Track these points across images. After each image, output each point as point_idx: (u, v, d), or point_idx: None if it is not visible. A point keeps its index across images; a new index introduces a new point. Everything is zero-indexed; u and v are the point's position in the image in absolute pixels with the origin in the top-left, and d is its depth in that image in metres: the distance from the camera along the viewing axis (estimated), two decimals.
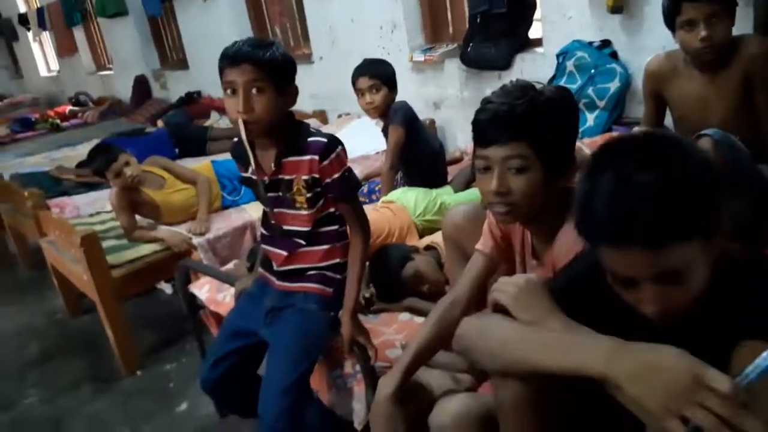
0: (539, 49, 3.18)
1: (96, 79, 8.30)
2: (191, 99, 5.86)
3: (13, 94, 9.82)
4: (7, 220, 3.85)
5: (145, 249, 2.74)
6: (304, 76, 4.09)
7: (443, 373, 1.48)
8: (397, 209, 2.30)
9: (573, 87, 2.87)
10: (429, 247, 2.09)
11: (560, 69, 2.97)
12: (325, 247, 1.61)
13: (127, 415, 2.36)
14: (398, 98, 2.55)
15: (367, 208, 1.97)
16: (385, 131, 2.58)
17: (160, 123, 5.48)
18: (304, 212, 1.56)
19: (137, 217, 2.83)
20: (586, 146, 2.67)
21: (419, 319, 1.81)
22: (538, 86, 1.18)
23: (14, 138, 6.58)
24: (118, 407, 2.42)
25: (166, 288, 3.29)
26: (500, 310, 1.00)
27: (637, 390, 0.75)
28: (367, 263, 1.81)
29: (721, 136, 1.58)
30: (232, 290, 1.92)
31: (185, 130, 4.71)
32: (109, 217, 3.16)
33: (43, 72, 10.22)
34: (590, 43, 2.88)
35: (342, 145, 1.53)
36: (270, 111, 1.43)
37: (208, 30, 5.31)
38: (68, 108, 7.61)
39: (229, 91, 1.44)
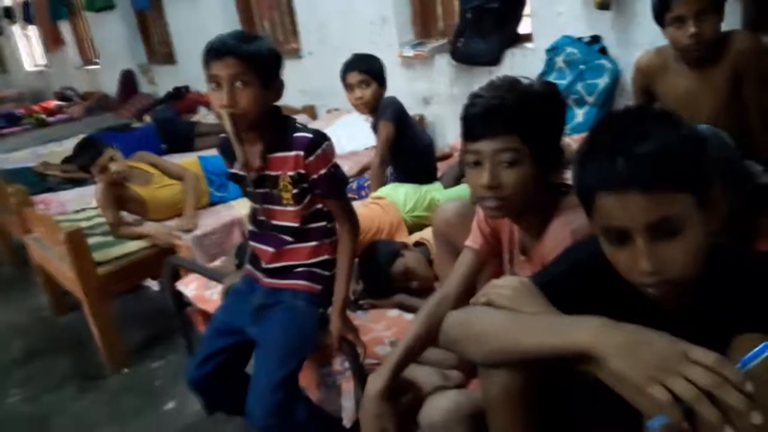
0: (529, 45, 3.18)
1: (82, 74, 8.21)
2: (179, 94, 5.81)
3: None
4: None
5: (132, 246, 2.71)
6: (293, 72, 4.08)
7: (433, 369, 1.48)
8: (387, 205, 2.28)
9: (562, 83, 2.87)
10: (418, 244, 2.08)
11: (550, 65, 2.97)
12: (313, 243, 1.60)
13: (114, 413, 2.34)
14: (388, 94, 2.53)
15: (357, 204, 1.96)
16: (374, 127, 2.56)
17: (147, 118, 5.42)
18: (291, 208, 1.55)
19: (124, 213, 2.80)
20: (575, 142, 2.68)
21: (408, 316, 1.81)
22: (525, 81, 1.18)
23: None
24: (105, 405, 2.40)
25: (153, 285, 3.25)
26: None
27: (622, 362, 0.75)
28: (356, 259, 1.80)
29: (710, 132, 1.59)
30: (219, 287, 1.91)
31: (173, 126, 4.67)
32: (95, 214, 3.12)
33: (28, 66, 10.10)
34: (580, 39, 2.88)
35: (329, 140, 1.51)
36: (255, 104, 1.42)
37: (196, 24, 5.27)
38: (54, 103, 7.53)
39: (213, 85, 1.43)
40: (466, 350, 0.98)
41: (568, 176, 2.44)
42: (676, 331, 0.78)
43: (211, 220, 2.88)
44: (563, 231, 1.14)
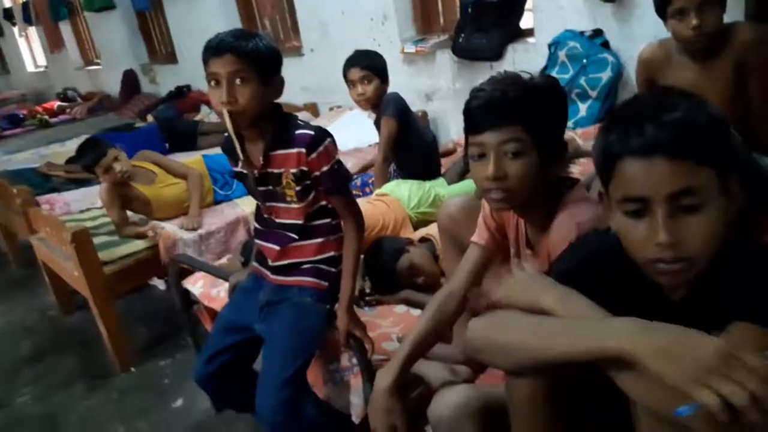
0: (531, 39, 3.18)
1: (84, 75, 8.22)
2: (181, 93, 5.81)
3: (0, 91, 9.71)
4: None
5: (138, 245, 2.72)
6: (294, 69, 4.08)
7: (441, 364, 1.48)
8: (391, 202, 2.29)
9: (565, 77, 2.87)
10: (424, 239, 2.08)
11: (552, 59, 2.97)
12: (318, 240, 1.60)
13: (122, 411, 2.35)
14: (390, 90, 2.53)
15: (361, 201, 1.97)
16: (377, 123, 2.56)
17: (149, 118, 5.43)
18: (295, 206, 1.55)
19: (129, 212, 2.81)
20: (578, 137, 2.67)
21: (415, 311, 1.81)
22: (525, 75, 1.19)
23: (2, 135, 6.51)
24: (113, 404, 2.41)
25: (159, 284, 3.26)
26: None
27: (662, 364, 0.73)
28: (362, 256, 1.81)
29: None
30: (226, 285, 1.91)
31: (175, 125, 4.67)
32: (100, 213, 3.13)
33: (30, 68, 10.11)
34: (582, 33, 2.87)
35: (331, 137, 1.51)
36: (254, 101, 1.42)
37: (196, 23, 5.27)
38: (56, 104, 7.53)
39: (213, 83, 1.43)
40: (494, 360, 0.97)
41: (573, 170, 2.45)
42: (683, 322, 0.77)
43: (216, 218, 2.89)
44: (569, 224, 1.15)
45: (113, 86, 7.19)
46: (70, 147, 4.55)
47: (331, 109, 4.39)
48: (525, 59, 3.14)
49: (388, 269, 1.89)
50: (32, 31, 9.02)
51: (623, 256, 0.91)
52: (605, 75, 2.80)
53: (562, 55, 2.91)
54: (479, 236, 1.40)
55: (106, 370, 2.62)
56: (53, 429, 2.33)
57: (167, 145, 4.30)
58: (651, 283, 0.90)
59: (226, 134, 1.59)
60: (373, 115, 2.59)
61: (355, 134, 3.61)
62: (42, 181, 4.00)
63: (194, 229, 2.75)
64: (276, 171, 1.52)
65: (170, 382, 2.47)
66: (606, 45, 2.83)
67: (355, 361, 1.61)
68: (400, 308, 1.85)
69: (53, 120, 6.96)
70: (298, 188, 1.52)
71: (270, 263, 1.65)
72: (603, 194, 0.91)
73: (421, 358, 1.39)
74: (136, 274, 2.71)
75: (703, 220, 0.79)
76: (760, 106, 1.76)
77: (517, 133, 1.13)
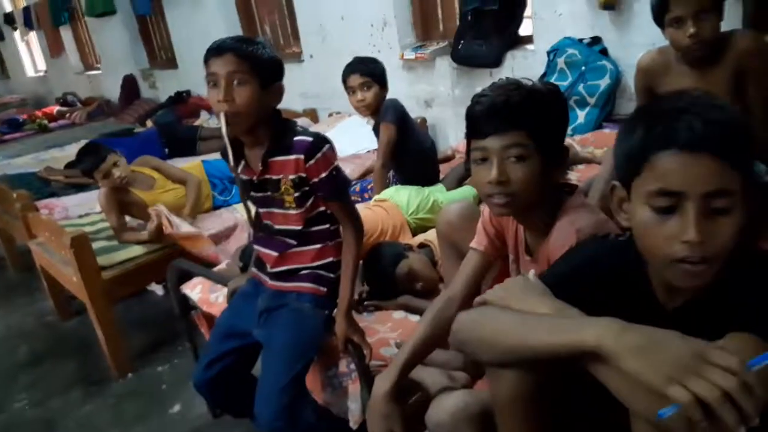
0: (530, 47, 3.19)
1: (84, 79, 8.24)
2: (181, 98, 5.83)
3: (0, 95, 9.72)
4: None
5: (136, 250, 2.72)
6: (294, 75, 4.08)
7: (439, 370, 1.48)
8: (390, 207, 2.29)
9: (564, 84, 2.88)
10: (422, 245, 2.08)
11: (551, 66, 2.98)
12: (317, 246, 1.60)
13: (119, 417, 2.34)
14: (389, 96, 2.54)
15: (360, 207, 1.97)
16: (376, 129, 2.57)
17: (149, 123, 5.45)
18: (293, 211, 1.56)
19: (128, 218, 2.81)
20: (576, 143, 2.68)
21: (414, 317, 1.81)
22: (527, 82, 1.20)
23: (1, 139, 6.53)
24: (110, 409, 2.40)
25: (157, 289, 3.26)
26: None
27: (638, 363, 0.73)
28: (361, 262, 1.81)
29: None
30: (224, 291, 1.91)
31: (175, 130, 4.68)
32: (99, 218, 3.13)
33: (30, 72, 10.13)
34: (580, 40, 2.89)
35: (330, 143, 1.51)
36: (251, 103, 1.42)
37: (197, 29, 5.29)
38: (56, 108, 7.55)
39: (212, 83, 1.44)
40: (478, 351, 0.97)
41: (571, 177, 2.45)
42: (680, 330, 0.77)
43: (214, 223, 2.89)
44: (568, 231, 1.15)
45: (113, 91, 7.21)
46: (70, 152, 4.56)
47: (330, 115, 4.41)
48: (524, 66, 3.16)
49: (387, 275, 1.89)
50: (33, 35, 9.04)
51: (620, 264, 0.92)
52: (603, 82, 2.82)
53: (560, 62, 2.93)
54: (478, 242, 1.41)
55: (104, 375, 2.61)
56: None
57: (167, 150, 4.30)
58: (647, 291, 0.90)
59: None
60: (372, 122, 2.60)
61: (354, 140, 3.62)
62: (41, 186, 4.01)
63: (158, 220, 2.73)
64: (275, 177, 1.53)
65: (168, 388, 2.46)
66: (604, 52, 2.85)
67: (353, 366, 1.60)
68: (399, 314, 1.85)
69: (53, 125, 6.98)
70: (296, 194, 1.53)
71: (269, 269, 1.65)
72: (615, 189, 0.90)
73: (419, 364, 1.39)
74: (134, 280, 2.71)
75: (729, 224, 0.79)
76: (758, 113, 1.76)
77: (520, 138, 1.13)
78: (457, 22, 3.44)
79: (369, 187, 2.80)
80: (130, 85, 6.91)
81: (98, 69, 7.94)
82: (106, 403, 2.44)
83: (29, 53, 9.98)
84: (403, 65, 3.77)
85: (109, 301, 2.58)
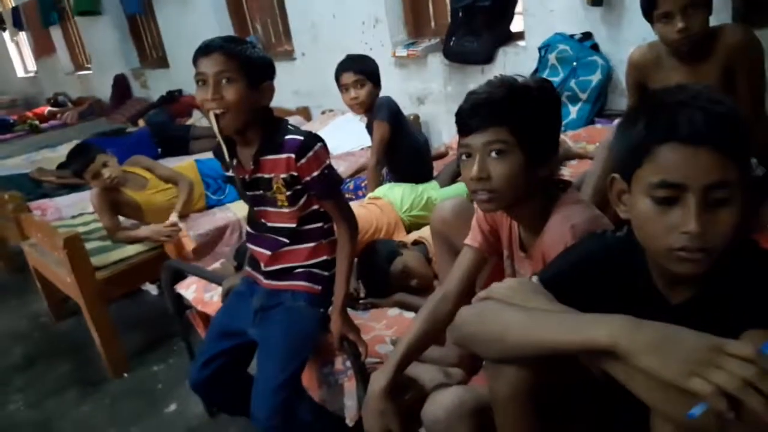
0: (521, 43, 3.20)
1: (74, 80, 8.19)
2: (172, 98, 5.81)
3: None
4: None
5: (130, 250, 2.72)
6: (286, 73, 4.07)
7: (434, 367, 1.49)
8: (384, 205, 2.30)
9: (555, 80, 2.89)
10: (417, 242, 2.09)
11: (542, 62, 2.99)
12: (311, 244, 1.61)
13: (115, 417, 2.34)
14: (382, 94, 2.54)
15: (354, 205, 1.96)
16: (369, 127, 2.57)
17: (141, 122, 5.43)
18: (286, 210, 1.56)
19: (121, 218, 2.80)
20: (568, 138, 2.69)
21: (409, 314, 1.82)
22: (520, 79, 1.20)
23: None
24: (106, 410, 2.40)
25: (152, 289, 3.26)
26: None
27: (654, 359, 0.74)
28: (355, 259, 1.81)
29: None
30: (219, 290, 1.91)
31: (167, 129, 4.67)
32: (92, 219, 3.12)
33: (20, 73, 10.06)
34: (572, 36, 2.90)
35: (321, 142, 1.51)
36: (239, 102, 1.42)
37: (188, 27, 5.27)
38: (47, 109, 7.50)
39: (200, 82, 1.44)
40: (480, 346, 0.97)
41: (564, 173, 2.46)
42: (685, 326, 0.78)
43: (207, 222, 2.89)
44: (563, 227, 1.15)
45: (104, 91, 7.17)
46: (61, 152, 4.53)
47: (323, 112, 4.40)
48: (516, 62, 3.16)
49: (382, 272, 1.89)
50: (23, 36, 8.98)
51: (621, 260, 0.92)
52: (595, 78, 2.83)
53: (552, 58, 2.94)
54: (473, 239, 1.41)
55: (99, 375, 2.61)
56: None
57: (159, 149, 4.29)
58: (649, 287, 0.91)
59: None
60: (365, 119, 2.60)
61: (348, 138, 3.61)
62: (33, 187, 3.99)
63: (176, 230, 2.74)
64: (266, 176, 1.53)
65: (163, 387, 2.46)
66: (595, 48, 2.86)
67: (349, 364, 1.61)
68: (394, 311, 1.86)
69: (44, 125, 6.93)
70: (288, 193, 1.53)
71: (263, 268, 1.65)
72: (615, 181, 0.91)
73: (415, 361, 1.40)
74: (128, 280, 2.71)
75: (729, 215, 0.80)
76: (747, 108, 1.77)
77: (501, 134, 1.14)
78: (449, 19, 3.44)
79: (362, 184, 2.80)
80: (121, 85, 6.88)
81: (89, 69, 7.89)
82: (102, 404, 2.44)
83: (19, 54, 9.91)
84: (396, 62, 3.77)
85: (104, 302, 2.57)
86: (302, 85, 4.50)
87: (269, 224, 1.61)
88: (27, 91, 9.53)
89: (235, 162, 1.57)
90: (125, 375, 2.59)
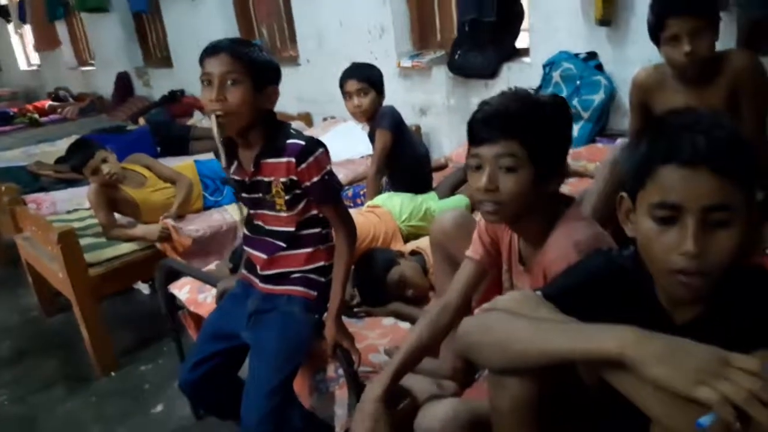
0: (526, 59, 3.21)
1: (77, 75, 8.18)
2: (174, 97, 5.80)
3: None
4: None
5: (124, 248, 2.71)
6: (290, 79, 4.07)
7: (428, 379, 1.48)
8: (383, 214, 2.29)
9: None
10: (414, 252, 2.08)
11: (546, 79, 3.00)
12: (308, 250, 1.60)
13: (102, 415, 2.31)
14: (384, 103, 2.54)
15: (353, 213, 1.95)
16: (371, 135, 2.57)
17: (141, 121, 5.41)
18: (284, 214, 1.55)
19: (117, 215, 2.78)
20: (569, 156, 2.69)
21: (404, 324, 1.81)
22: (533, 93, 1.21)
23: None
24: (93, 408, 2.37)
25: (144, 288, 3.24)
26: None
27: (662, 369, 0.75)
28: (352, 267, 1.80)
29: None
30: (213, 291, 1.90)
31: (168, 129, 4.66)
32: (88, 215, 3.10)
33: (23, 66, 10.04)
34: (576, 55, 2.91)
35: (323, 147, 1.51)
36: (243, 104, 1.42)
37: (194, 28, 5.27)
38: (48, 103, 7.48)
39: (205, 83, 1.43)
40: (486, 355, 0.96)
41: (563, 190, 2.46)
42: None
43: (204, 223, 2.87)
44: (566, 243, 1.15)
45: (106, 88, 7.16)
46: (60, 147, 4.52)
47: (325, 119, 4.40)
48: (520, 78, 3.17)
49: (378, 281, 1.88)
50: (27, 29, 8.97)
51: (627, 278, 0.92)
52: (598, 97, 2.84)
53: (556, 75, 2.95)
54: (474, 251, 1.41)
55: (87, 373, 2.58)
56: (31, 431, 2.29)
57: (159, 148, 4.28)
58: (655, 305, 0.91)
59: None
60: (367, 127, 2.60)
61: (348, 145, 3.61)
62: (30, 180, 3.97)
63: (166, 230, 2.72)
64: (266, 179, 1.52)
65: (151, 388, 2.44)
66: (600, 68, 2.87)
67: (341, 372, 1.59)
68: (388, 320, 1.85)
69: (43, 119, 6.91)
70: (287, 197, 1.52)
71: (259, 271, 1.64)
72: (623, 200, 0.92)
73: (408, 372, 1.39)
74: (121, 277, 2.69)
75: (729, 237, 0.81)
76: (751, 133, 1.78)
77: (512, 148, 1.14)
78: (455, 32, 3.45)
79: (362, 192, 2.79)
80: (123, 83, 6.87)
81: (92, 65, 7.89)
82: (89, 401, 2.42)
83: (23, 46, 9.90)
84: (400, 73, 3.78)
85: (95, 299, 2.56)
86: (305, 91, 4.50)
87: (267, 228, 1.60)
88: (28, 84, 9.51)
89: (235, 164, 1.57)
90: (113, 373, 2.57)
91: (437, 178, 2.83)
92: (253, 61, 1.43)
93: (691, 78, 1.80)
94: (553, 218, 1.22)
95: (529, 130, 1.14)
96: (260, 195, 1.56)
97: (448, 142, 3.70)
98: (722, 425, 0.70)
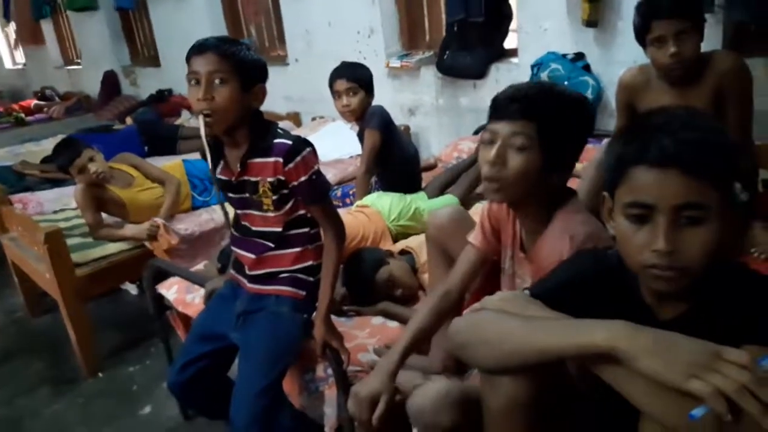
0: (514, 60, 3.23)
1: (63, 74, 8.10)
2: (162, 97, 5.76)
3: None
4: None
5: (111, 248, 2.69)
6: (278, 78, 4.04)
7: (418, 373, 1.48)
8: (372, 213, 2.29)
9: None
10: (403, 252, 2.09)
11: (534, 80, 3.02)
12: (296, 249, 1.59)
13: (89, 417, 2.30)
14: (373, 103, 2.54)
15: (342, 212, 1.96)
16: (360, 135, 2.57)
17: (129, 120, 5.38)
18: (272, 214, 1.55)
19: (104, 215, 2.76)
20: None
21: (392, 324, 1.81)
22: (562, 86, 1.26)
23: None
24: (79, 409, 2.36)
25: (131, 289, 3.22)
26: None
27: (654, 362, 0.76)
28: (341, 266, 1.80)
29: None
30: (201, 291, 1.89)
31: (155, 128, 4.63)
32: (74, 215, 3.08)
33: (8, 64, 9.93)
34: (564, 56, 2.93)
35: (310, 147, 1.50)
36: (230, 103, 1.41)
37: (181, 27, 5.24)
38: (33, 102, 7.40)
39: (193, 81, 1.43)
40: (477, 354, 0.96)
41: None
42: None
43: (193, 224, 2.86)
44: (561, 236, 1.18)
45: (93, 87, 7.10)
46: (46, 146, 4.48)
47: (313, 119, 4.40)
48: (508, 79, 3.18)
49: (367, 280, 1.88)
50: (12, 27, 8.87)
51: (612, 276, 0.93)
52: None
53: (544, 76, 2.96)
54: (475, 238, 1.44)
55: (74, 374, 2.56)
56: None
57: (146, 148, 4.25)
58: (640, 302, 0.92)
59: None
60: (356, 127, 2.60)
61: (337, 145, 3.61)
62: (16, 180, 3.92)
63: (155, 228, 2.71)
64: (253, 179, 1.51)
65: (139, 389, 2.42)
66: (587, 68, 2.89)
67: (330, 371, 1.60)
68: (377, 320, 1.85)
69: (29, 118, 6.83)
70: (274, 197, 1.51)
71: (247, 271, 1.63)
72: (605, 199, 0.94)
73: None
74: (108, 278, 2.67)
75: (702, 235, 0.82)
76: (736, 133, 1.80)
77: (528, 129, 1.17)
78: (443, 33, 3.46)
79: (351, 192, 2.79)
80: (110, 82, 6.81)
81: (78, 64, 7.82)
82: (75, 403, 2.40)
83: (8, 45, 9.79)
84: (389, 73, 3.79)
85: (82, 299, 2.54)
86: (294, 90, 4.49)
87: (254, 228, 1.60)
88: (14, 83, 9.40)
89: (222, 163, 1.56)
90: (100, 375, 2.55)
91: (426, 178, 2.84)
92: (241, 60, 1.43)
93: (677, 79, 1.82)
94: (553, 209, 1.25)
95: (548, 116, 1.17)
96: (247, 195, 1.55)
97: (436, 142, 3.71)
98: (714, 417, 0.71)
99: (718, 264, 0.86)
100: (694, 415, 0.72)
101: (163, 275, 2.17)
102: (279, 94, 4.47)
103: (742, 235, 1.59)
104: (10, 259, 3.02)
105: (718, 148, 0.83)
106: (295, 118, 4.57)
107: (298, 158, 1.46)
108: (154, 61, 6.19)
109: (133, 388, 2.44)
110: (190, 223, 2.85)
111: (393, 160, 2.57)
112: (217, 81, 1.40)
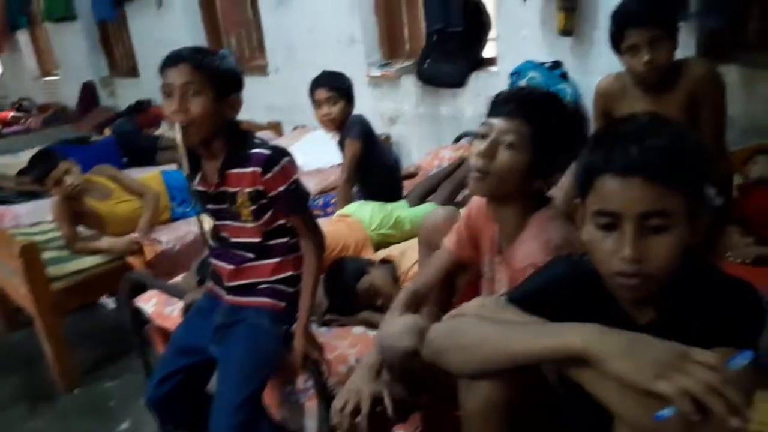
0: (493, 68, 3.25)
1: (41, 85, 8.01)
2: (141, 107, 5.71)
3: None
4: None
5: (88, 261, 2.64)
6: (259, 88, 4.03)
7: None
8: (353, 223, 2.28)
9: None
10: (384, 261, 2.08)
11: (513, 88, 3.04)
12: (275, 260, 1.58)
13: None
14: (354, 113, 2.54)
15: (322, 222, 1.95)
16: (341, 144, 2.57)
17: (107, 131, 5.32)
18: (250, 225, 1.53)
19: (81, 228, 2.72)
20: None
21: (374, 333, 1.80)
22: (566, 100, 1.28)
23: None
24: (56, 426, 2.31)
25: (109, 303, 3.16)
26: None
27: (623, 363, 0.77)
28: (322, 276, 1.79)
29: None
30: (180, 304, 1.87)
31: (134, 139, 4.58)
32: (51, 228, 3.02)
33: None
34: (542, 64, 2.95)
35: (289, 156, 1.50)
36: (205, 114, 1.40)
37: (160, 37, 5.19)
38: (10, 114, 7.31)
39: (166, 93, 1.42)
40: (455, 359, 0.97)
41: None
42: None
43: (171, 235, 2.83)
44: (538, 241, 1.20)
45: (71, 98, 7.02)
46: (23, 158, 4.38)
47: (294, 128, 4.38)
48: (487, 87, 3.20)
49: (348, 289, 1.87)
50: None
51: (588, 281, 0.94)
52: None
53: (522, 84, 2.98)
54: (449, 240, 1.46)
55: (50, 390, 2.51)
56: None
57: (125, 159, 4.21)
58: (616, 307, 0.93)
59: None
60: (337, 136, 2.60)
61: (318, 154, 3.60)
62: None
63: (138, 244, 2.68)
64: (231, 190, 1.50)
65: (116, 404, 2.38)
66: (564, 76, 2.91)
67: (311, 383, 1.58)
68: (358, 329, 1.83)
69: (6, 130, 6.75)
70: (253, 207, 1.50)
71: (225, 283, 1.61)
72: (578, 206, 0.95)
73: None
74: (85, 291, 2.63)
75: (667, 242, 0.84)
76: (710, 140, 1.83)
77: (521, 129, 1.20)
78: (423, 42, 3.48)
79: (332, 201, 2.78)
80: (88, 93, 6.74)
81: (56, 75, 7.73)
82: (52, 420, 2.35)
83: None
84: (369, 82, 3.79)
85: (58, 314, 2.49)
86: (275, 100, 4.47)
87: (233, 239, 1.58)
88: None
89: (199, 175, 1.55)
90: (77, 390, 2.51)
91: (407, 186, 2.84)
92: (214, 71, 1.42)
93: (651, 86, 1.84)
94: (530, 214, 1.26)
95: (544, 121, 1.20)
96: (225, 206, 1.54)
97: (417, 150, 3.71)
98: (681, 418, 0.71)
99: (691, 267, 0.86)
100: (661, 416, 0.72)
101: (141, 288, 2.14)
102: (260, 104, 4.45)
103: (718, 240, 1.61)
104: None
105: (683, 154, 0.84)
106: (276, 128, 4.55)
107: (277, 168, 1.46)
108: (132, 71, 6.15)
109: (110, 403, 2.39)
110: (170, 235, 2.82)
111: (374, 169, 2.57)
112: (190, 92, 1.39)
